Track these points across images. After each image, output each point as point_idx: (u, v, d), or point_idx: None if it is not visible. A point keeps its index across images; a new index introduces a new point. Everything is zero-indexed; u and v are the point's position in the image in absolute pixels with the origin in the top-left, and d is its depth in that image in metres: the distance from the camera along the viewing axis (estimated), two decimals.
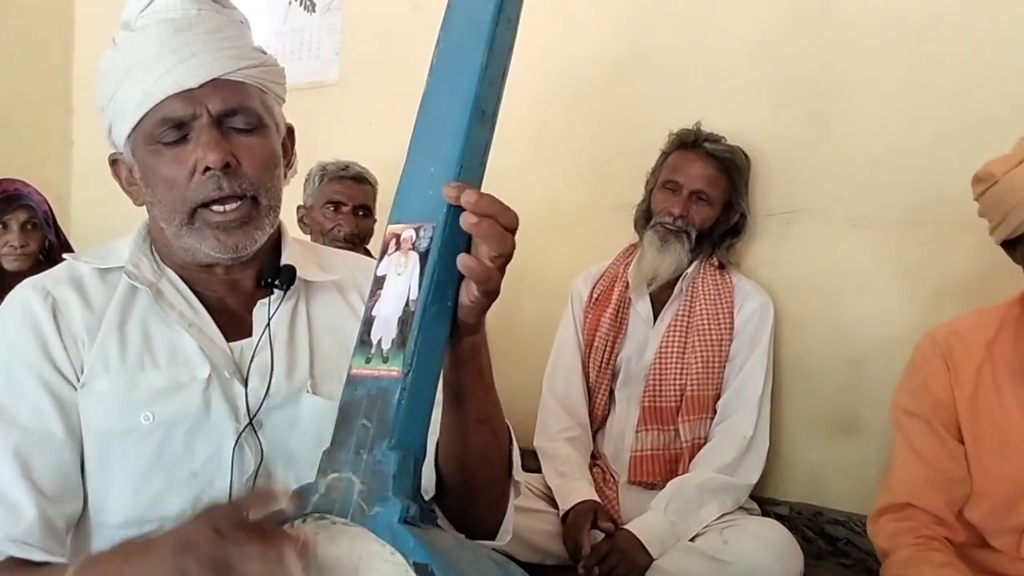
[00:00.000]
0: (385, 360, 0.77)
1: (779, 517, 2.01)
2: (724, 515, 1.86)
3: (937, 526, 1.41)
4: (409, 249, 0.80)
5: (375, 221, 2.42)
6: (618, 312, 2.07)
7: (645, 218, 2.07)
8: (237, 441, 0.98)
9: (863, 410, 2.02)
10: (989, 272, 1.78)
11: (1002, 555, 1.40)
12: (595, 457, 2.09)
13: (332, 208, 2.36)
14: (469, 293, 0.80)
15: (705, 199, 2.00)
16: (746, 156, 2.06)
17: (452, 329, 0.82)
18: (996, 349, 1.41)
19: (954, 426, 1.42)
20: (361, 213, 2.38)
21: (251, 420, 0.99)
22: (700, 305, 2.00)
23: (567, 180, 2.44)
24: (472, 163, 0.80)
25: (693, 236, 1.99)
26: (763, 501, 2.05)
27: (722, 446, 1.91)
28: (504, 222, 0.77)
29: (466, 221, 0.76)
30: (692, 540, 1.81)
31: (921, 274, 1.95)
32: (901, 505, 1.44)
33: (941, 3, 1.90)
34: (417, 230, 0.80)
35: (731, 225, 2.05)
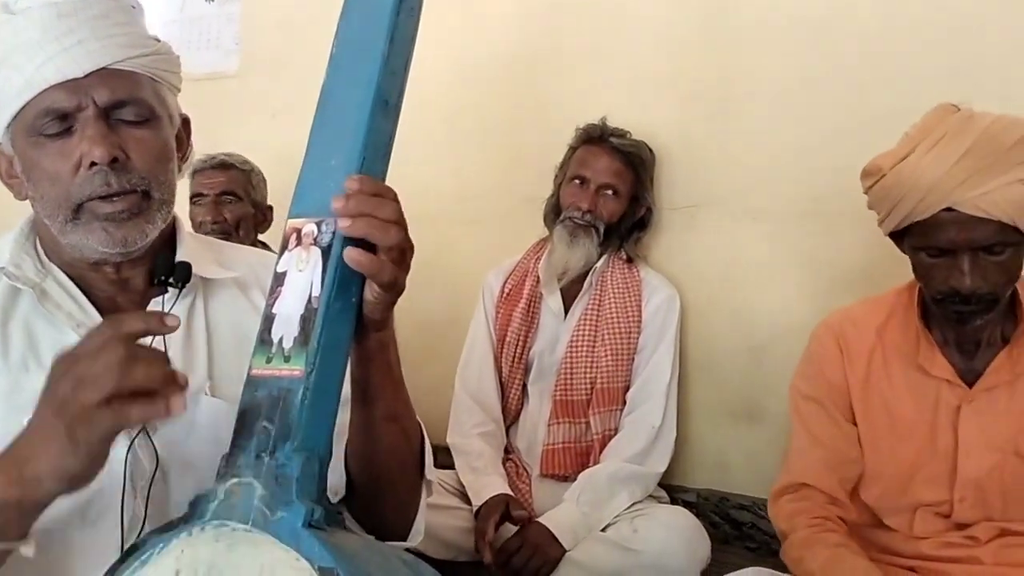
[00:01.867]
0: (287, 359, 0.75)
1: (687, 504, 2.05)
2: (634, 504, 1.89)
3: (831, 505, 1.46)
4: (310, 244, 0.78)
5: (254, 206, 2.34)
6: (529, 307, 2.08)
7: (554, 213, 2.09)
8: (130, 447, 0.93)
9: (765, 397, 2.08)
10: (881, 262, 1.84)
11: (896, 533, 1.46)
12: (508, 451, 2.09)
13: (197, 201, 2.30)
14: (372, 289, 0.78)
15: (612, 193, 2.02)
16: (651, 150, 2.10)
17: (358, 326, 0.80)
18: (887, 335, 1.47)
19: (848, 409, 1.48)
20: (228, 200, 2.30)
21: (144, 425, 0.95)
22: (609, 299, 2.02)
23: (477, 174, 2.43)
24: (375, 155, 0.79)
25: (601, 230, 2.02)
26: (671, 489, 2.09)
27: (631, 436, 1.94)
28: (383, 216, 0.76)
29: (342, 225, 0.75)
30: (603, 530, 1.83)
31: (818, 264, 2.02)
32: (798, 486, 1.49)
33: (837, 0, 1.97)
34: (319, 224, 0.78)
35: (638, 219, 2.08)
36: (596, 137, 2.05)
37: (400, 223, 0.77)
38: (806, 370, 1.54)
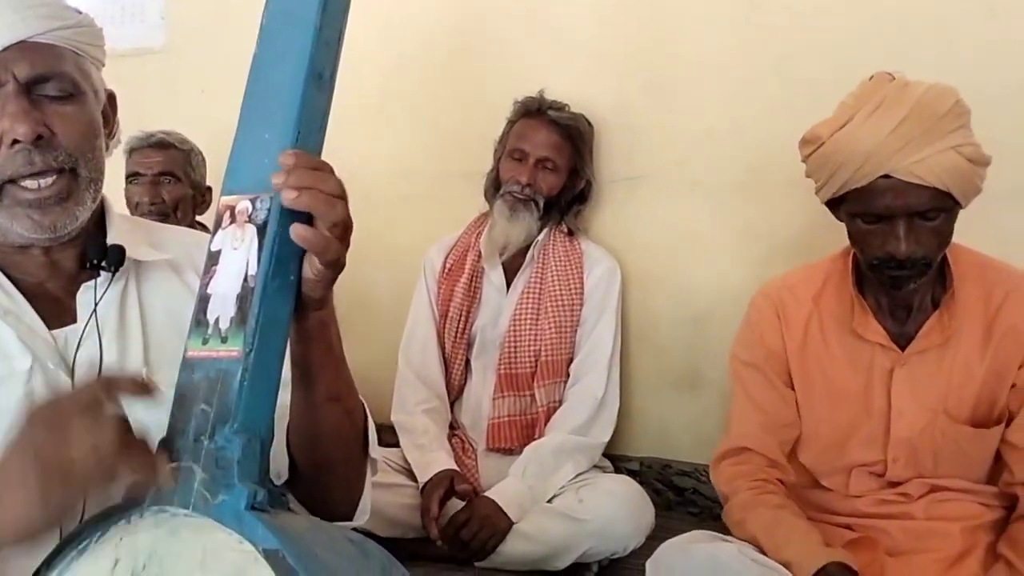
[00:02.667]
0: (224, 340, 0.73)
1: (631, 472, 2.09)
2: (579, 474, 1.91)
3: (771, 468, 1.50)
4: (245, 222, 0.75)
5: (193, 187, 2.29)
6: (471, 282, 2.07)
7: (494, 187, 2.08)
8: None
9: (705, 365, 2.12)
10: (817, 230, 1.89)
11: (833, 493, 1.51)
12: (453, 427, 2.09)
13: (134, 181, 2.24)
14: (312, 266, 0.77)
15: (551, 167, 2.02)
16: (589, 123, 2.10)
17: (296, 304, 0.78)
18: (823, 301, 1.50)
19: (786, 374, 1.52)
20: (166, 180, 2.24)
21: None
22: (551, 272, 2.03)
23: (415, 149, 2.40)
24: (310, 129, 0.77)
25: (541, 204, 2.01)
26: (615, 458, 2.12)
27: (575, 408, 1.96)
28: (327, 190, 0.74)
29: (286, 198, 0.73)
30: (549, 501, 1.85)
31: (755, 234, 2.05)
32: (739, 449, 1.52)
33: None
34: (253, 201, 0.76)
35: (578, 192, 2.09)
36: (534, 110, 2.04)
37: (344, 197, 0.76)
38: (745, 337, 1.58)
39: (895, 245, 1.32)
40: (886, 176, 1.31)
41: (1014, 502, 1.42)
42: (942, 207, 1.32)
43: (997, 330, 1.40)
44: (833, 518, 1.49)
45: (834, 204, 1.44)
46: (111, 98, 1.03)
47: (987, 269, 1.44)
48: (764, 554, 1.38)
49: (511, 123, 2.08)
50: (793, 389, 1.51)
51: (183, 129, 2.34)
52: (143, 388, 0.72)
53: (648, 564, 1.44)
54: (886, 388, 1.43)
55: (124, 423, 0.69)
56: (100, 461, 0.66)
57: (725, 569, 1.35)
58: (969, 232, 1.42)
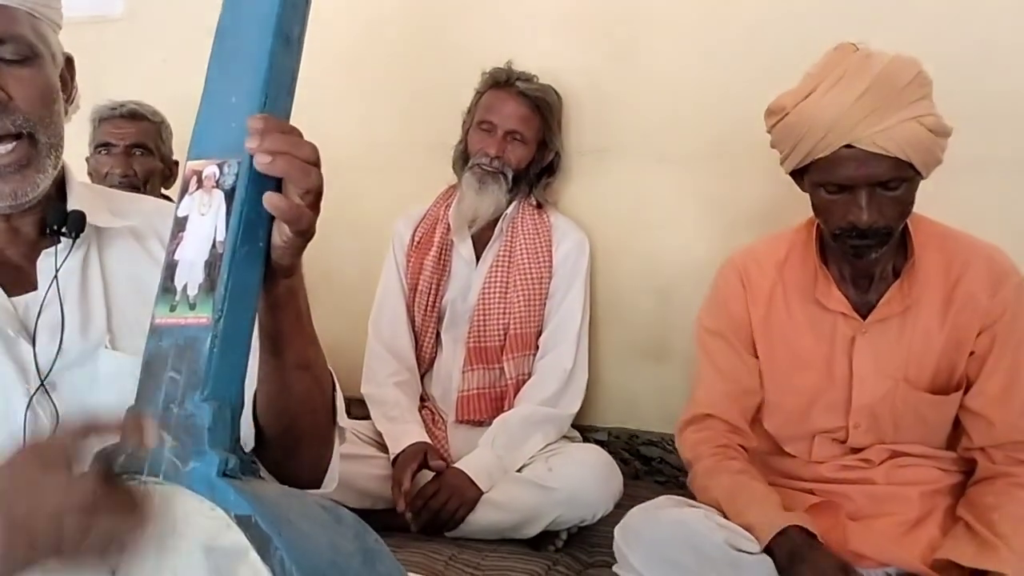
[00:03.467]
0: (192, 307, 0.72)
1: (599, 443, 2.10)
2: (549, 444, 1.92)
3: (733, 434, 1.53)
4: (212, 187, 0.74)
5: (162, 160, 2.25)
6: (441, 254, 2.07)
7: (463, 159, 2.07)
8: (29, 404, 0.89)
9: (672, 336, 2.14)
10: (781, 202, 1.90)
11: (796, 459, 1.54)
12: (423, 399, 2.09)
13: (104, 151, 2.20)
14: (282, 233, 0.76)
15: (520, 139, 2.01)
16: (558, 95, 2.09)
17: (265, 271, 0.77)
18: (787, 270, 1.52)
19: (750, 343, 1.54)
20: (138, 152, 2.21)
21: (43, 382, 0.91)
22: (520, 245, 2.03)
23: (383, 121, 2.38)
24: (278, 92, 0.76)
25: (510, 176, 2.01)
26: (584, 429, 2.14)
27: (544, 380, 1.97)
28: (302, 155, 0.73)
29: (260, 162, 0.72)
30: (519, 471, 1.86)
31: (721, 205, 2.07)
32: (702, 416, 1.55)
33: None
34: (220, 166, 0.74)
35: (546, 164, 2.08)
36: (502, 82, 2.03)
37: (318, 164, 0.75)
38: (711, 306, 1.59)
39: (857, 215, 1.34)
40: (849, 146, 1.32)
41: (972, 467, 1.46)
42: (903, 177, 1.34)
43: (956, 299, 1.43)
44: (796, 484, 1.52)
45: (798, 175, 1.46)
46: (69, 62, 1.01)
47: (947, 239, 1.47)
48: (728, 519, 1.41)
49: (479, 94, 2.07)
50: (757, 357, 1.53)
51: (144, 99, 2.29)
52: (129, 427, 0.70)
53: (617, 530, 1.46)
54: (848, 356, 1.46)
55: (101, 473, 0.68)
56: (69, 528, 0.64)
57: (692, 533, 1.37)
58: (929, 203, 1.44)
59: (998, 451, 1.42)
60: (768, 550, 1.35)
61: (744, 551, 1.36)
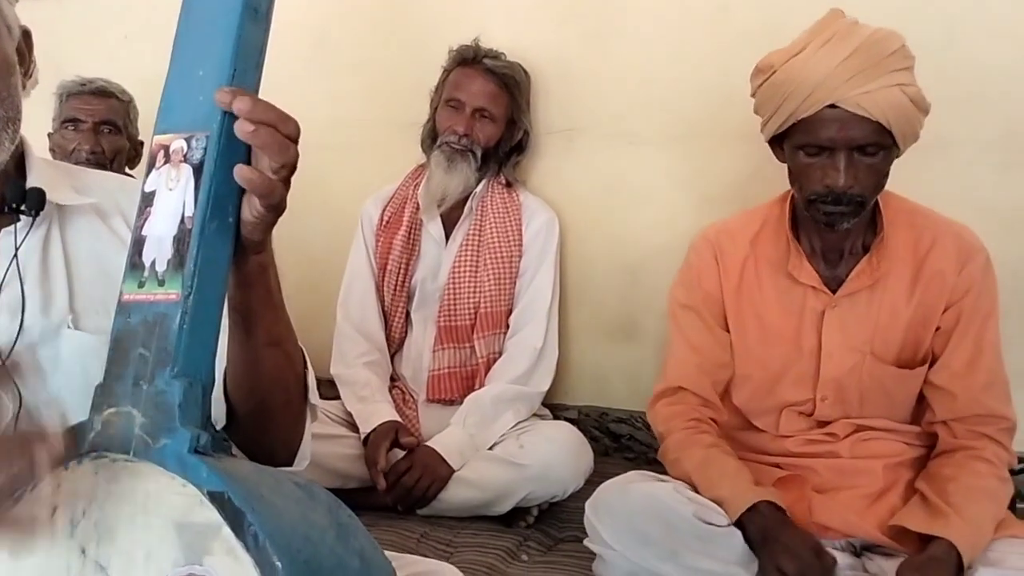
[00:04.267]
0: (161, 283, 0.71)
1: (569, 421, 2.11)
2: (520, 422, 1.93)
3: (704, 407, 1.55)
4: (180, 161, 0.73)
5: (129, 140, 2.22)
6: (410, 234, 2.06)
7: (431, 138, 2.05)
8: None
9: (641, 315, 2.15)
10: (750, 182, 1.93)
11: (764, 434, 1.56)
12: (394, 379, 2.09)
13: (71, 127, 2.17)
14: (252, 208, 0.75)
15: (488, 116, 2.00)
16: (526, 72, 2.08)
17: (235, 247, 0.76)
18: (759, 245, 1.54)
19: (722, 317, 1.56)
20: (107, 130, 2.18)
21: (4, 362, 0.89)
22: (490, 224, 2.02)
23: (352, 99, 2.35)
24: (246, 66, 0.74)
25: (479, 154, 2.00)
26: (554, 407, 2.15)
27: (515, 358, 1.97)
28: (284, 130, 0.72)
29: (242, 130, 0.71)
30: (491, 449, 1.87)
31: (691, 186, 2.08)
32: (674, 389, 1.57)
33: None
34: (188, 140, 0.73)
35: (516, 142, 2.08)
36: (469, 59, 2.01)
37: (297, 141, 0.74)
38: (684, 280, 1.61)
39: (835, 177, 1.36)
40: (832, 106, 1.34)
41: (934, 441, 1.49)
42: (882, 144, 1.36)
43: (924, 275, 1.45)
44: (763, 458, 1.54)
45: (777, 141, 1.47)
46: (26, 35, 0.98)
47: (916, 216, 1.49)
48: (698, 492, 1.43)
49: (447, 72, 2.05)
50: (728, 331, 1.55)
51: (105, 76, 2.25)
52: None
53: (588, 504, 1.47)
54: (817, 329, 1.48)
55: None
56: None
57: (662, 506, 1.39)
58: (892, 183, 1.46)
59: (960, 424, 1.45)
60: (739, 524, 1.37)
61: (713, 524, 1.38)
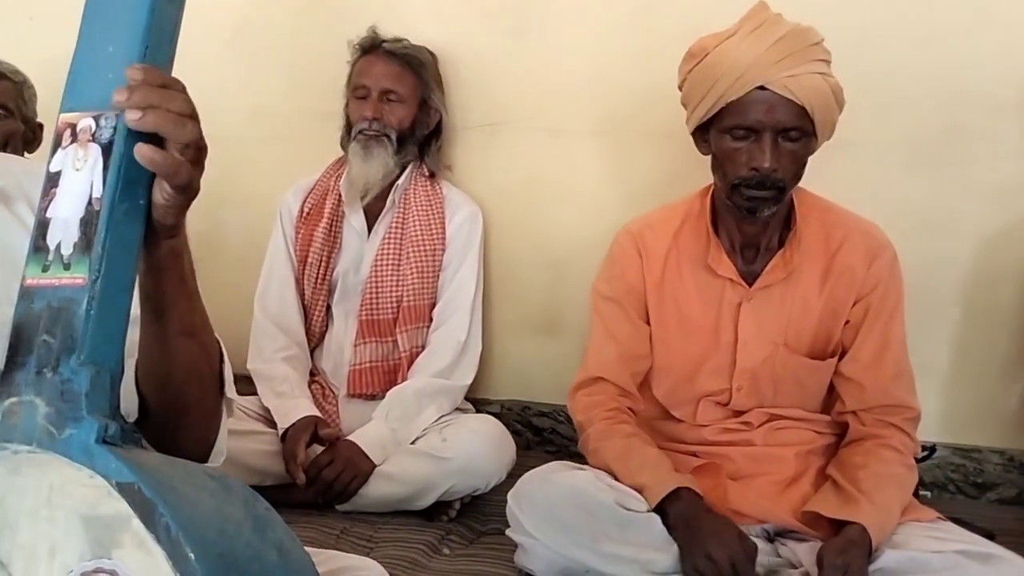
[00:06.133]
0: (67, 267, 0.68)
1: (492, 415, 2.11)
2: (443, 416, 1.92)
3: (622, 397, 1.58)
4: (88, 141, 0.70)
5: (24, 122, 2.11)
6: (331, 226, 2.03)
7: (348, 133, 2.02)
8: None
9: (564, 310, 2.17)
10: (672, 179, 1.96)
11: (682, 424, 1.59)
12: (313, 373, 2.06)
13: None
14: (162, 190, 0.72)
15: (396, 98, 1.97)
16: (432, 54, 2.05)
17: (147, 232, 0.74)
18: (680, 239, 1.57)
19: (643, 309, 1.58)
20: None
21: None
22: (413, 216, 2.01)
23: (271, 89, 2.30)
24: (160, 43, 0.72)
25: (394, 138, 1.97)
26: (477, 402, 2.15)
27: (438, 351, 1.96)
28: (175, 108, 0.70)
29: (129, 119, 0.68)
30: (413, 443, 1.85)
31: (612, 182, 2.10)
32: (594, 379, 1.59)
33: None
34: (97, 119, 0.70)
35: (433, 127, 2.05)
36: (370, 47, 2.00)
37: (194, 117, 0.71)
38: (607, 273, 1.63)
39: (760, 159, 1.40)
40: (762, 88, 1.39)
41: (844, 430, 1.55)
42: (804, 129, 1.41)
43: (834, 269, 1.51)
44: (681, 447, 1.58)
45: (701, 132, 1.50)
46: None
47: (828, 212, 1.55)
48: (619, 481, 1.45)
49: (352, 65, 2.03)
50: (649, 324, 1.58)
51: (8, 60, 2.14)
52: None
53: (510, 495, 1.48)
54: (734, 321, 1.52)
55: None
56: None
57: (582, 494, 1.41)
58: (809, 179, 1.51)
59: (868, 414, 1.51)
60: (659, 510, 1.40)
61: (633, 510, 1.40)
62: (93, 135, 0.70)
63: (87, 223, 0.69)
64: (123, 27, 0.71)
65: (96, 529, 0.61)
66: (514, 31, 2.12)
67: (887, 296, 1.51)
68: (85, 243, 0.68)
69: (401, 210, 2.01)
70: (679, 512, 1.38)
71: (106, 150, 0.69)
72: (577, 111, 2.10)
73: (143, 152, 0.69)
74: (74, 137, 0.71)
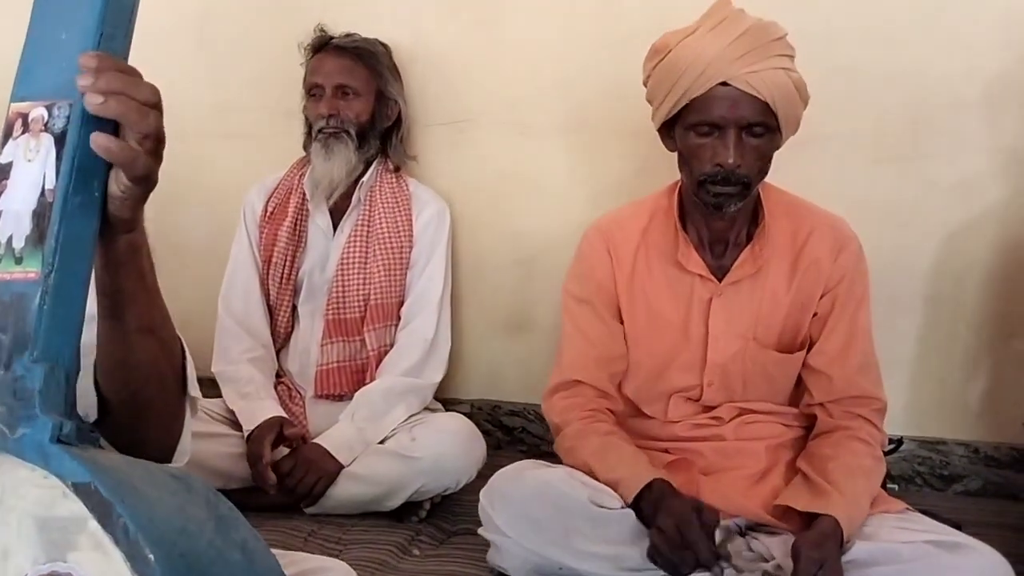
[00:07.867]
0: (18, 261, 0.66)
1: (461, 415, 2.10)
2: (412, 415, 1.90)
3: (601, 399, 1.57)
4: (40, 131, 0.68)
5: None
6: (296, 225, 2.00)
7: (309, 134, 2.00)
8: None
9: (534, 308, 2.16)
10: (639, 176, 1.96)
11: (653, 420, 1.59)
12: (279, 375, 2.03)
13: None
14: (119, 181, 0.70)
15: (351, 92, 1.95)
16: (384, 45, 2.03)
17: (104, 226, 0.72)
18: (649, 235, 1.57)
19: (615, 307, 1.58)
20: None
21: None
22: (379, 214, 1.98)
23: (235, 86, 2.26)
24: (115, 30, 0.70)
25: (353, 133, 1.94)
26: (447, 401, 2.13)
27: (406, 350, 1.94)
28: (140, 97, 0.68)
29: (91, 103, 0.66)
30: (382, 443, 1.83)
31: (581, 178, 2.10)
32: (570, 382, 1.58)
33: None
34: (49, 108, 0.68)
35: (394, 119, 2.03)
36: (320, 46, 1.98)
37: (158, 107, 0.70)
38: (577, 271, 1.62)
39: (724, 155, 1.40)
40: (724, 84, 1.39)
41: (813, 422, 1.56)
42: (768, 124, 1.42)
43: (802, 263, 1.52)
44: (653, 444, 1.57)
45: (668, 127, 1.50)
46: None
47: (795, 207, 1.56)
48: (593, 478, 1.44)
49: (306, 66, 2.01)
50: (622, 323, 1.57)
51: None
52: None
53: (482, 493, 1.47)
54: (704, 317, 1.52)
55: None
56: None
57: (555, 491, 1.40)
58: (775, 174, 1.51)
59: (836, 406, 1.51)
60: (635, 504, 1.39)
61: (606, 507, 1.39)
62: (45, 124, 0.68)
63: (40, 215, 0.66)
64: (77, 13, 0.69)
65: (51, 531, 0.59)
66: (479, 28, 2.10)
67: (853, 288, 1.52)
68: (38, 236, 0.66)
69: (367, 207, 1.99)
70: (649, 502, 1.37)
71: (59, 140, 0.67)
72: (545, 108, 2.09)
73: (99, 141, 0.67)
74: (25, 127, 0.69)
